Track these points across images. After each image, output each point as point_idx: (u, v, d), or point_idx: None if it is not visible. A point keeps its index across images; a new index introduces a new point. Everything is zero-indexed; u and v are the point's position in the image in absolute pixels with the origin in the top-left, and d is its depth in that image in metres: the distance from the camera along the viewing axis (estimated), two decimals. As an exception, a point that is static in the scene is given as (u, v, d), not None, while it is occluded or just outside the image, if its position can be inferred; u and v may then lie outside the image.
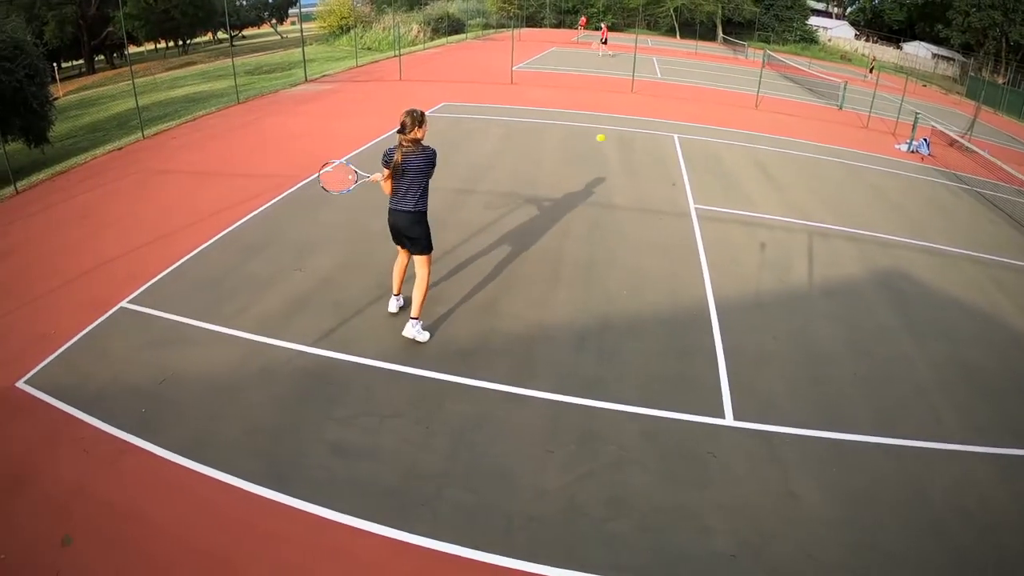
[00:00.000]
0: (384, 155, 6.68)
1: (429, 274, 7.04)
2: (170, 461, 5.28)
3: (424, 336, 7.04)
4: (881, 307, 8.68)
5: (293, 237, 9.48)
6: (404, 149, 6.55)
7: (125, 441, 5.49)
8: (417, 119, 6.50)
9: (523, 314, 7.65)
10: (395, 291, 7.54)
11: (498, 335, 7.20)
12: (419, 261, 6.96)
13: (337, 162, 7.37)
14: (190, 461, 5.27)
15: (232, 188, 11.46)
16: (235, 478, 5.12)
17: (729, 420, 6.08)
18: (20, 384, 6.26)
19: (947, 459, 5.92)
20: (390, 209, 6.86)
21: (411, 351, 6.79)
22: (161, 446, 5.42)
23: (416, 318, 6.98)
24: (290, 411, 5.89)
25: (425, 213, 6.90)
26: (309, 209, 10.51)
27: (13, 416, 5.83)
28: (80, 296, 7.91)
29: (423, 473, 5.24)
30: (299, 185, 11.56)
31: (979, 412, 6.65)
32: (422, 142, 6.62)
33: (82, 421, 5.73)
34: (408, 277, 7.40)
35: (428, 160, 6.62)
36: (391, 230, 7.00)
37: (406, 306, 7.39)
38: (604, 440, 5.70)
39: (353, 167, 7.17)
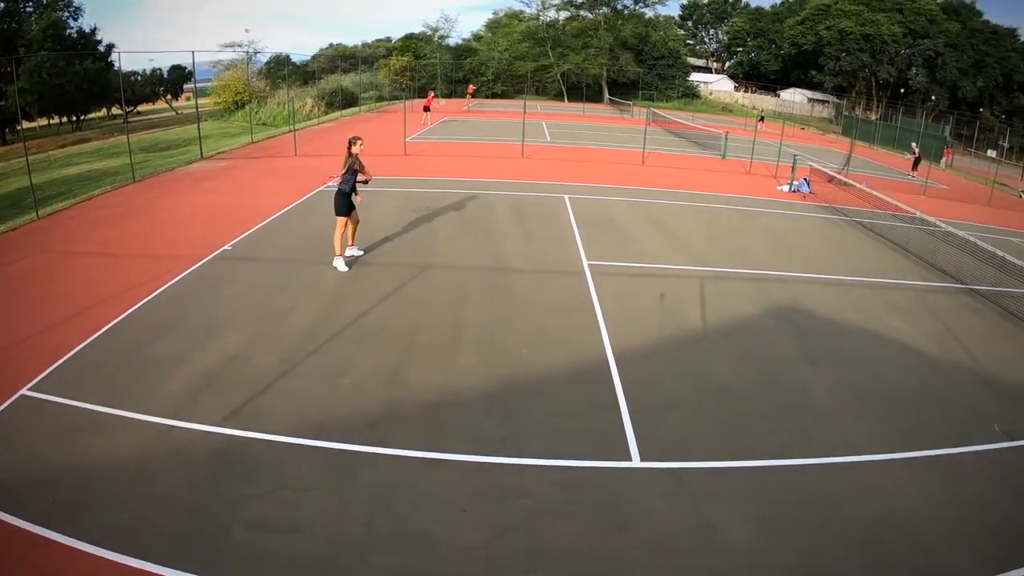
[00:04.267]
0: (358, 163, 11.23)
1: (337, 228, 11.45)
2: (87, 552, 5.11)
3: (343, 267, 11.35)
4: (778, 340, 9.37)
5: (197, 316, 9.40)
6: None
7: (36, 534, 5.28)
8: (351, 142, 11.28)
9: (428, 381, 7.83)
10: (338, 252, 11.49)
11: (405, 403, 7.35)
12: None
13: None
14: (108, 551, 5.11)
15: (132, 269, 11.22)
16: (156, 564, 5.00)
17: (636, 462, 6.41)
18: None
19: (855, 471, 6.51)
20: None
21: (319, 425, 6.83)
22: (74, 536, 5.24)
23: (337, 255, 11.42)
24: (204, 492, 5.83)
25: (339, 192, 11.28)
26: (211, 287, 10.45)
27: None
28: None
29: (346, 542, 5.29)
30: (199, 264, 11.46)
31: (881, 423, 7.41)
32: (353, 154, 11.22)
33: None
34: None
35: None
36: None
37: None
38: (518, 495, 5.90)
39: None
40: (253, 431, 6.71)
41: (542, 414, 7.21)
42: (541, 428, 6.95)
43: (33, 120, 58.64)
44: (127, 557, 5.08)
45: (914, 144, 30.89)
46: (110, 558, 5.08)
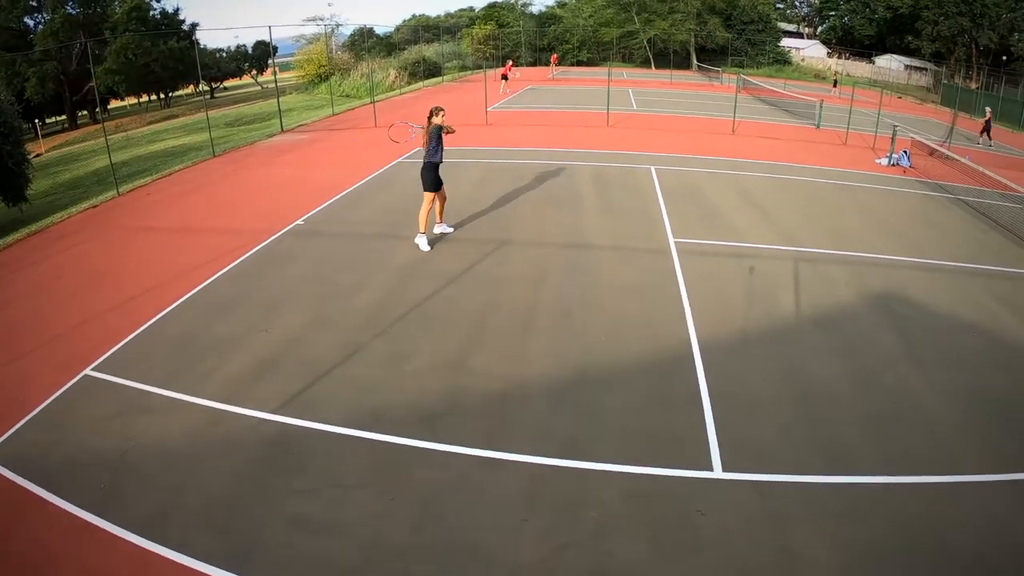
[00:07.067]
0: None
1: (425, 204, 10.75)
2: (129, 541, 5.02)
3: (426, 246, 10.74)
4: (879, 334, 8.31)
5: (262, 295, 9.22)
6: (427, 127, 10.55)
7: (84, 520, 5.24)
8: (432, 112, 10.53)
9: (495, 370, 7.30)
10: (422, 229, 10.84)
11: (468, 394, 6.86)
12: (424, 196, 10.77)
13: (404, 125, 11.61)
14: (148, 541, 5.00)
15: (202, 245, 11.23)
16: (193, 559, 4.83)
17: (718, 472, 5.71)
18: (-21, 458, 6.04)
19: (962, 493, 5.55)
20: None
21: (376, 415, 6.45)
22: (120, 524, 5.17)
23: (422, 232, 10.82)
24: (251, 483, 5.59)
25: (428, 165, 10.57)
26: (278, 265, 10.28)
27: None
28: (47, 363, 7.70)
29: (388, 548, 4.90)
30: (269, 240, 11.34)
31: (993, 438, 6.29)
32: (435, 124, 10.48)
33: (43, 499, 5.50)
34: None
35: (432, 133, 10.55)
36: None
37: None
38: (584, 505, 5.33)
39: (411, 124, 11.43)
40: (308, 420, 6.43)
41: (617, 411, 6.57)
42: (615, 428, 6.32)
43: (122, 99, 61.28)
44: (165, 549, 4.95)
45: (988, 108, 28.31)
46: (149, 548, 4.97)
